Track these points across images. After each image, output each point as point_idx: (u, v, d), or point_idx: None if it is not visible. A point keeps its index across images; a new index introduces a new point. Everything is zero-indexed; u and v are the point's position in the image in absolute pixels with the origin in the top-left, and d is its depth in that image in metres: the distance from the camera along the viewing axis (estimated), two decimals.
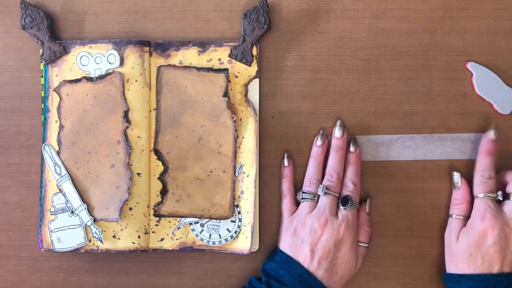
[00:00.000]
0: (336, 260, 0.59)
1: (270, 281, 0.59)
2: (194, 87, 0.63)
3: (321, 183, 0.61)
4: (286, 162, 0.63)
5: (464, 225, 0.60)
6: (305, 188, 0.61)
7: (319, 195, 0.61)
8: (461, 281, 0.58)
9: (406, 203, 0.64)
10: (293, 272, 0.58)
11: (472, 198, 0.60)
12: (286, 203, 0.62)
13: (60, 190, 0.63)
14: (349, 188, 0.61)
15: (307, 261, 0.58)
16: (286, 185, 0.63)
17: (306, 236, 0.59)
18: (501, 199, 0.59)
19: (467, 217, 0.60)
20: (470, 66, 0.62)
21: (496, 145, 0.60)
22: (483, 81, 0.62)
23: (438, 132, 0.64)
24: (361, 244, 0.61)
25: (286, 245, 0.61)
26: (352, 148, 0.62)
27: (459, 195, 0.61)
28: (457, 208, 0.61)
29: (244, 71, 0.63)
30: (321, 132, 0.62)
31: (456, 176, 0.62)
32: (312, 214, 0.60)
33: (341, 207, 0.60)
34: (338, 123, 0.62)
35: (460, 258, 0.58)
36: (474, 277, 0.57)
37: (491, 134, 0.60)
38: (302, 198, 0.61)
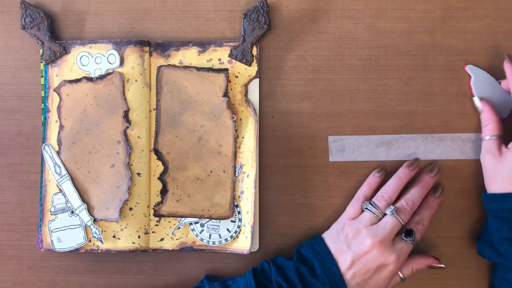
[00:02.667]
0: (370, 280, 0.58)
1: (301, 267, 0.58)
2: (194, 87, 0.63)
3: (393, 204, 0.60)
4: (378, 173, 0.62)
5: (499, 144, 0.60)
6: (375, 200, 0.60)
7: (385, 214, 0.60)
8: (506, 200, 0.58)
9: None
10: (328, 269, 0.58)
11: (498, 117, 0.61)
12: (353, 206, 0.62)
13: (60, 190, 0.63)
14: (419, 226, 0.60)
15: (344, 267, 0.58)
16: (365, 190, 0.62)
17: (354, 245, 0.58)
18: None
19: (499, 136, 0.60)
20: (469, 69, 0.62)
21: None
22: (481, 85, 0.62)
23: (438, 132, 0.64)
24: (400, 274, 0.60)
25: (331, 241, 0.60)
26: (437, 194, 0.62)
27: (485, 117, 0.61)
28: (487, 129, 0.61)
29: (244, 71, 0.63)
30: (415, 160, 0.63)
31: (476, 100, 0.62)
32: (370, 228, 0.59)
33: (403, 237, 0.59)
34: (435, 164, 0.62)
35: (503, 178, 0.58)
36: None
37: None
38: (366, 209, 0.60)
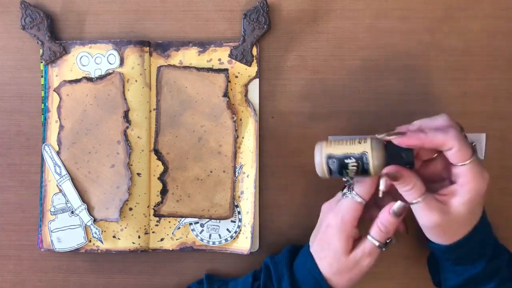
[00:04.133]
0: (324, 243, 0.56)
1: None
2: (194, 87, 0.63)
3: None
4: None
5: (434, 197, 0.53)
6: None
7: None
8: (463, 245, 0.54)
9: None
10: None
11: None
12: None
13: (60, 190, 0.63)
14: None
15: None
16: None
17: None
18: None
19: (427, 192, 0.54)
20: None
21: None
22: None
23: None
24: (371, 240, 0.55)
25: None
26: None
27: (404, 182, 0.53)
28: (412, 193, 0.53)
29: (244, 71, 0.63)
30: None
31: (381, 182, 0.54)
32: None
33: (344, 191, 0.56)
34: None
35: (458, 226, 0.54)
36: (468, 237, 0.53)
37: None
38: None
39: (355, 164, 0.53)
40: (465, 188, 0.52)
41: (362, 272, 0.56)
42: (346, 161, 0.53)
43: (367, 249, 0.55)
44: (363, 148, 0.52)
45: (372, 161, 0.52)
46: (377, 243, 0.55)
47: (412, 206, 0.54)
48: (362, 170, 0.53)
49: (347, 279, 0.56)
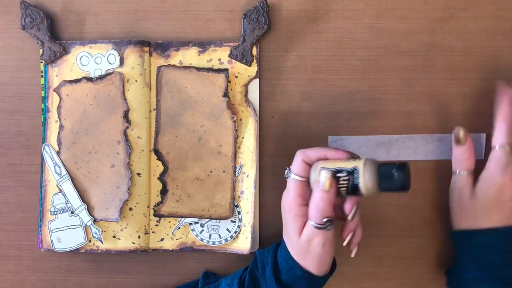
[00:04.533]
0: (286, 237, 0.57)
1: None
2: (194, 87, 0.63)
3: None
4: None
5: (472, 180, 0.58)
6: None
7: None
8: (473, 238, 0.57)
9: (406, 203, 0.64)
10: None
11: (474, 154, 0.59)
12: None
13: (60, 190, 0.63)
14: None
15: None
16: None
17: None
18: None
19: (472, 172, 0.59)
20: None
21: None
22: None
23: (438, 132, 0.64)
24: (310, 222, 0.54)
25: None
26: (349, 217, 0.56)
27: (465, 151, 0.59)
28: (464, 163, 0.59)
29: (244, 71, 0.63)
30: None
31: (462, 132, 0.59)
32: None
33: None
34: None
35: (475, 214, 0.57)
36: (487, 232, 0.56)
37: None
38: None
39: (346, 178, 0.53)
40: (485, 170, 0.57)
41: (318, 253, 0.54)
42: (338, 174, 0.53)
43: (308, 229, 0.54)
44: (356, 164, 0.53)
45: (363, 176, 0.52)
46: (313, 223, 0.54)
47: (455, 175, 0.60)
48: (353, 185, 0.52)
49: (310, 261, 0.55)
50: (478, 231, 0.57)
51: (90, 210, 0.63)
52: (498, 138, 0.58)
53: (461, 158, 0.60)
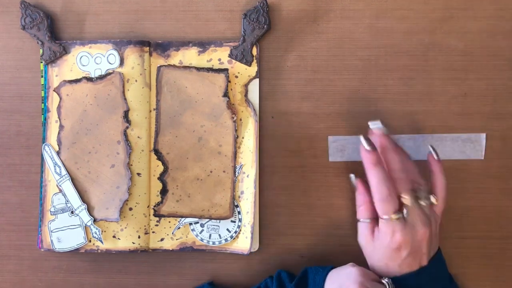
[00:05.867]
0: None
1: None
2: (194, 87, 0.63)
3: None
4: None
5: (371, 227, 0.58)
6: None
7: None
8: (404, 282, 0.57)
9: None
10: None
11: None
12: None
13: (60, 190, 0.63)
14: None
15: None
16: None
17: None
18: (405, 216, 0.56)
19: (374, 218, 0.58)
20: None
21: (378, 154, 0.57)
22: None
23: (438, 132, 0.64)
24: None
25: (330, 280, 0.58)
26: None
27: (359, 199, 0.60)
28: (360, 211, 0.60)
29: (244, 71, 0.63)
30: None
31: (353, 178, 0.61)
32: None
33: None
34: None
35: (378, 265, 0.58)
36: (395, 280, 0.57)
37: (366, 147, 0.57)
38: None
39: None
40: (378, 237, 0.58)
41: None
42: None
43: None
44: None
45: None
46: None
47: (358, 223, 0.60)
48: None
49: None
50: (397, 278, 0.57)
51: (90, 210, 0.63)
52: (378, 209, 0.57)
53: (357, 205, 0.60)
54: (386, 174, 0.57)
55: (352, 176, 0.61)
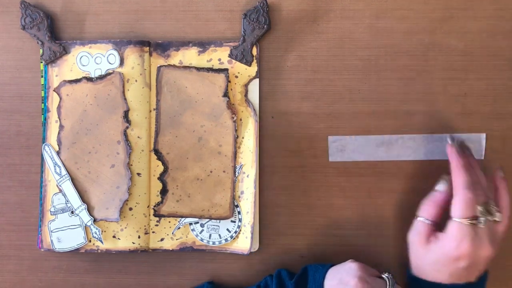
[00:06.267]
0: None
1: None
2: (194, 87, 0.63)
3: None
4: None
5: (431, 229, 0.57)
6: None
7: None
8: (421, 285, 0.57)
9: (406, 203, 0.64)
10: None
11: (446, 204, 0.57)
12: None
13: (60, 190, 0.63)
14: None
15: None
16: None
17: None
18: (481, 225, 0.55)
19: (435, 222, 0.58)
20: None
21: (468, 159, 0.58)
22: None
23: (438, 132, 0.64)
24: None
25: (330, 276, 0.58)
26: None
27: (437, 198, 0.58)
28: (428, 211, 0.58)
29: (244, 71, 0.63)
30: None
31: (444, 182, 0.59)
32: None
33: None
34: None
35: (425, 268, 0.57)
36: (434, 285, 0.56)
37: (457, 151, 0.58)
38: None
39: None
40: (440, 240, 0.56)
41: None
42: None
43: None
44: None
45: None
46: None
47: (415, 221, 0.59)
48: None
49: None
50: (425, 282, 0.57)
51: (90, 210, 0.63)
52: (456, 210, 0.56)
53: (428, 203, 0.59)
54: (477, 178, 0.56)
55: (445, 180, 0.59)
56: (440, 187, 0.59)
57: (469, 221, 0.55)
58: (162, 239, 0.64)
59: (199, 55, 0.63)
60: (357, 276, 0.55)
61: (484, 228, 0.55)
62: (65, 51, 0.63)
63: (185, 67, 0.63)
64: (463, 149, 0.59)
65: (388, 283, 0.55)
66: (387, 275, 0.56)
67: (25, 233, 0.65)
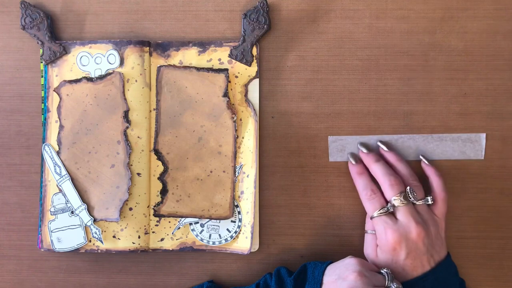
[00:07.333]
0: None
1: (297, 285, 0.59)
2: (194, 87, 0.63)
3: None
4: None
5: (375, 240, 0.60)
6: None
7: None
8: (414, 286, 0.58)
9: None
10: None
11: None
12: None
13: (60, 190, 0.63)
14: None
15: None
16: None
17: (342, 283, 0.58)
18: (391, 210, 0.58)
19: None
20: None
21: (362, 166, 0.62)
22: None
23: (438, 132, 0.64)
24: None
25: (329, 272, 0.58)
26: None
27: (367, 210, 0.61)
28: (368, 223, 0.62)
29: (244, 71, 0.63)
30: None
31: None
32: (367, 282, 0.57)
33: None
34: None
35: (393, 271, 0.58)
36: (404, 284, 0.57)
37: (351, 161, 0.62)
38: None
39: None
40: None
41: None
42: None
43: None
44: None
45: None
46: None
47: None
48: None
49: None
50: (406, 284, 0.57)
51: (90, 210, 0.63)
52: (368, 211, 0.60)
53: (367, 218, 0.62)
54: (368, 180, 0.61)
55: None
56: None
57: (379, 213, 0.58)
58: (162, 239, 0.64)
59: (199, 55, 0.63)
60: (356, 270, 0.55)
61: (405, 213, 0.57)
62: (65, 51, 0.63)
63: (185, 67, 0.63)
64: (354, 158, 0.63)
65: (386, 278, 0.55)
66: (386, 270, 0.56)
67: (25, 233, 0.65)
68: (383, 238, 0.58)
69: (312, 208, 0.64)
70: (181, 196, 0.63)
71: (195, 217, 0.63)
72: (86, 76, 0.63)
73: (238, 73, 0.63)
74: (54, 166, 0.63)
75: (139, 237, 0.63)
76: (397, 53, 0.64)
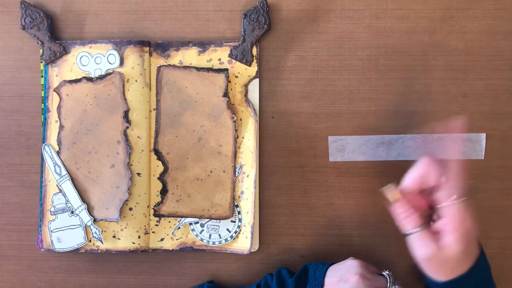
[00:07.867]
0: None
1: (298, 286, 0.59)
2: (194, 87, 0.63)
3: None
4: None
5: (427, 231, 0.54)
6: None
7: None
8: (459, 284, 0.55)
9: None
10: None
11: None
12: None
13: (60, 190, 0.63)
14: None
15: None
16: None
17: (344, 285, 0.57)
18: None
19: (424, 225, 0.54)
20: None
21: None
22: None
23: (438, 132, 0.64)
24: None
25: (331, 273, 0.58)
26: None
27: (401, 209, 0.55)
28: (407, 222, 0.55)
29: (244, 71, 0.63)
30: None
31: (388, 189, 0.56)
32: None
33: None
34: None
35: (451, 267, 0.54)
36: (462, 279, 0.54)
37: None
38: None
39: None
40: (451, 227, 0.53)
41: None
42: None
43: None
44: None
45: None
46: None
47: (408, 237, 0.54)
48: None
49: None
50: (456, 280, 0.54)
51: (90, 210, 0.63)
52: (445, 196, 0.54)
53: (399, 218, 0.55)
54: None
55: (388, 187, 0.56)
56: (393, 197, 0.56)
57: (458, 200, 0.53)
58: (162, 239, 0.64)
59: (199, 55, 0.63)
60: (358, 273, 0.55)
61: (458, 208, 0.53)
62: (65, 51, 0.63)
63: (185, 67, 0.63)
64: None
65: (388, 280, 0.55)
66: (387, 272, 0.56)
67: (25, 233, 0.65)
68: (460, 222, 0.52)
69: (312, 208, 0.64)
70: (181, 196, 0.63)
71: (195, 217, 0.63)
72: (86, 76, 0.63)
73: (238, 73, 0.63)
74: (54, 166, 0.63)
75: (139, 237, 0.63)
76: (397, 53, 0.64)
